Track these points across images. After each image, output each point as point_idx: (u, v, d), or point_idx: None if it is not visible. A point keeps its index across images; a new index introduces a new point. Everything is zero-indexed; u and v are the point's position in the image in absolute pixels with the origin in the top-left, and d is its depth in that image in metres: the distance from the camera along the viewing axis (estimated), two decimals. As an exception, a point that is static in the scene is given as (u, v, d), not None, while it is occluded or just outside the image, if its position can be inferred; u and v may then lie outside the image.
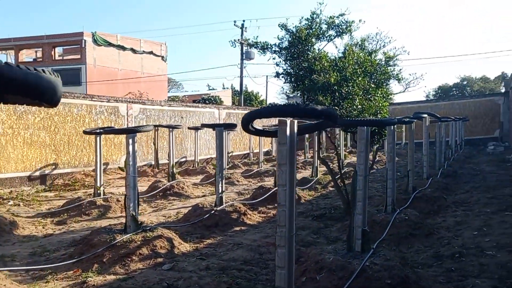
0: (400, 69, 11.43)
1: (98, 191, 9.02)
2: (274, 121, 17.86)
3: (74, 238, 6.48)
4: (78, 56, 40.94)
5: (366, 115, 7.52)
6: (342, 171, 9.26)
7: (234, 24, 35.00)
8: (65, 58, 44.51)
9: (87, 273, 4.85)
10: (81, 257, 5.26)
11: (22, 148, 11.92)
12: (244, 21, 34.81)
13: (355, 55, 7.75)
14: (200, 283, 4.45)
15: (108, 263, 5.12)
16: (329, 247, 5.51)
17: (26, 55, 45.56)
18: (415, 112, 11.83)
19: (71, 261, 5.16)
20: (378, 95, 7.95)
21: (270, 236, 6.52)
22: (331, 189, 11.02)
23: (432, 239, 6.15)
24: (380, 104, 7.79)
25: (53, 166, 12.81)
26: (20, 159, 11.85)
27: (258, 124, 3.60)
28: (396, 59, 9.57)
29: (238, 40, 33.51)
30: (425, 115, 10.50)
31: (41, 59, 42.75)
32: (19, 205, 9.18)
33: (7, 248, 6.02)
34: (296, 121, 3.02)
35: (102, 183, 9.16)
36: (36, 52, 45.34)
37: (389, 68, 8.98)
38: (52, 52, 41.89)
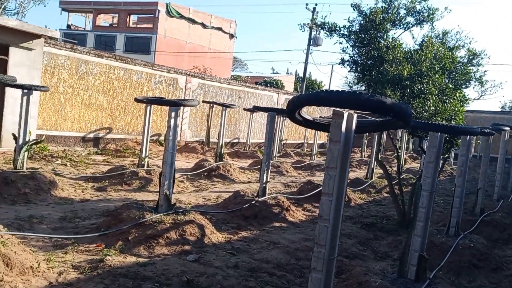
0: (485, 71, 10.19)
1: (143, 162, 8.84)
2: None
3: (108, 208, 6.27)
4: (151, 26, 41.87)
5: (439, 119, 6.58)
6: (401, 178, 8.39)
7: (306, 7, 33.87)
8: (138, 26, 45.78)
9: (108, 250, 4.55)
10: (107, 230, 4.97)
11: (79, 108, 12.09)
12: (316, 4, 33.56)
13: (434, 48, 6.79)
14: (223, 284, 3.97)
15: (133, 241, 4.79)
16: (376, 266, 4.81)
17: (103, 20, 47.39)
18: (493, 123, 10.52)
19: (96, 234, 4.88)
20: (456, 97, 6.95)
21: (311, 239, 5.91)
22: (385, 195, 10.12)
23: (500, 275, 5.24)
24: (456, 109, 6.79)
25: (107, 130, 12.94)
26: (76, 119, 12.05)
27: (314, 113, 2.97)
28: (482, 57, 8.39)
29: (308, 24, 32.41)
30: (507, 128, 9.23)
31: (116, 25, 44.27)
32: (66, 165, 9.24)
33: (40, 208, 5.91)
34: (355, 115, 2.37)
35: (147, 154, 8.97)
36: (112, 17, 47.01)
37: (471, 68, 7.86)
38: (127, 19, 43.18)
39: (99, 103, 12.58)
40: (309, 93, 2.39)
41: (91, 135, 12.52)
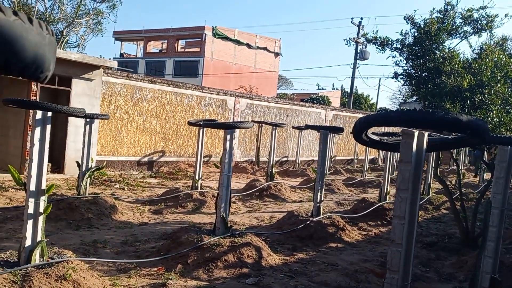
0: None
1: (196, 184, 8.99)
2: (386, 128, 16.51)
3: (165, 231, 6.40)
4: (198, 49, 43.18)
5: (503, 130, 6.21)
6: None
7: (351, 22, 33.58)
8: (186, 50, 47.41)
9: (169, 273, 4.62)
10: (167, 254, 5.07)
11: (134, 133, 12.59)
12: (362, 18, 33.15)
13: (495, 56, 6.45)
14: (284, 308, 3.89)
15: (192, 265, 4.84)
16: (443, 289, 4.54)
17: (153, 46, 49.51)
18: None
19: (157, 258, 4.98)
20: (521, 107, 6.54)
21: (370, 260, 5.70)
22: (444, 211, 9.63)
23: None
24: (522, 119, 6.38)
25: (161, 154, 13.34)
26: (132, 144, 12.53)
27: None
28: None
29: (354, 38, 32.09)
30: None
31: (165, 51, 46.09)
32: (123, 189, 9.59)
33: (103, 232, 6.14)
34: (426, 134, 2.26)
35: (200, 176, 9.12)
36: (162, 43, 49.03)
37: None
38: (176, 44, 44.87)
39: (152, 127, 13.03)
40: (378, 113, 2.33)
41: (146, 159, 12.96)
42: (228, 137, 5.47)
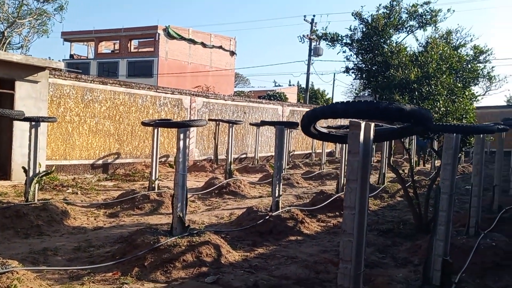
0: (493, 67, 10.06)
1: (153, 185, 8.79)
2: (341, 121, 16.88)
3: (121, 234, 6.20)
4: (152, 49, 42.30)
5: (450, 119, 6.49)
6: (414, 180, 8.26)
7: (304, 19, 34.07)
8: (139, 50, 46.29)
9: (125, 277, 4.48)
10: (122, 258, 4.90)
11: (87, 136, 12.14)
12: (314, 15, 33.74)
13: (440, 48, 6.73)
14: (244, 304, 3.87)
15: (149, 267, 4.72)
16: (399, 275, 4.68)
17: (105, 47, 48.01)
18: (504, 118, 10.37)
19: (112, 262, 4.80)
20: (465, 96, 6.85)
21: (329, 251, 5.79)
22: (399, 199, 9.98)
23: (527, 273, 5.05)
24: (466, 107, 6.69)
25: (116, 156, 12.95)
26: (85, 146, 12.08)
27: (320, 123, 2.89)
28: (489, 54, 8.32)
29: (307, 35, 32.57)
30: (522, 122, 9.06)
31: (118, 51, 44.81)
32: (76, 193, 9.22)
33: (54, 240, 5.86)
34: (373, 124, 2.29)
35: (157, 177, 8.92)
36: (114, 44, 47.62)
37: (478, 65, 7.77)
38: (128, 45, 43.71)
39: (106, 129, 12.62)
40: (325, 106, 2.34)
41: (100, 162, 12.53)
42: (181, 136, 5.37)
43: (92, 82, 12.36)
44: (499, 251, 5.37)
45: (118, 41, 44.72)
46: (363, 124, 2.26)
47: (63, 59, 42.77)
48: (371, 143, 2.31)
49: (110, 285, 4.27)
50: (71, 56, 47.17)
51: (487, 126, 4.98)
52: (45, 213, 6.52)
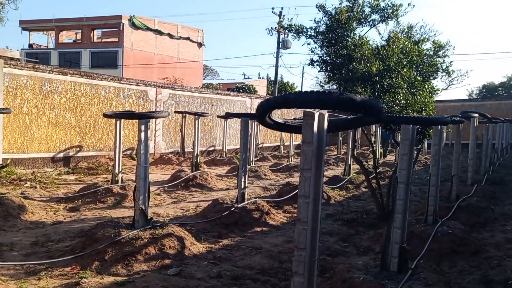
0: (451, 62, 10.40)
1: (116, 178, 8.61)
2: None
3: (82, 228, 6.05)
4: (116, 39, 41.22)
5: (410, 111, 6.66)
6: (377, 171, 8.46)
7: (272, 11, 34.08)
8: (103, 40, 45.01)
9: (84, 272, 4.37)
10: (81, 252, 4.78)
11: (46, 128, 11.72)
12: (282, 8, 33.78)
13: (401, 43, 6.88)
14: (206, 295, 3.86)
15: (109, 261, 4.62)
16: (359, 262, 4.79)
17: (66, 37, 46.38)
18: (462, 111, 10.77)
19: (70, 257, 4.68)
20: (425, 89, 7.05)
21: (294, 241, 5.86)
22: (364, 190, 10.20)
23: (479, 258, 5.29)
24: (426, 100, 6.89)
25: (78, 149, 12.59)
26: (44, 139, 11.66)
27: (289, 115, 2.91)
28: (447, 49, 8.58)
29: (275, 28, 32.60)
30: (476, 115, 9.45)
31: (80, 41, 43.40)
32: (35, 187, 8.90)
33: (10, 235, 5.65)
34: (326, 114, 2.32)
35: (120, 170, 8.75)
36: (76, 34, 46.07)
37: (437, 59, 8.00)
38: (91, 34, 42.40)
39: (66, 121, 12.22)
40: (278, 96, 2.34)
41: (61, 155, 12.15)
42: (143, 127, 5.27)
43: (51, 72, 11.91)
44: (456, 238, 5.60)
45: (80, 31, 43.29)
46: (316, 114, 2.28)
47: (21, 49, 41.06)
48: (325, 133, 2.34)
49: (68, 280, 4.15)
50: (30, 45, 45.31)
51: (441, 118, 5.15)
52: (0, 207, 6.26)
